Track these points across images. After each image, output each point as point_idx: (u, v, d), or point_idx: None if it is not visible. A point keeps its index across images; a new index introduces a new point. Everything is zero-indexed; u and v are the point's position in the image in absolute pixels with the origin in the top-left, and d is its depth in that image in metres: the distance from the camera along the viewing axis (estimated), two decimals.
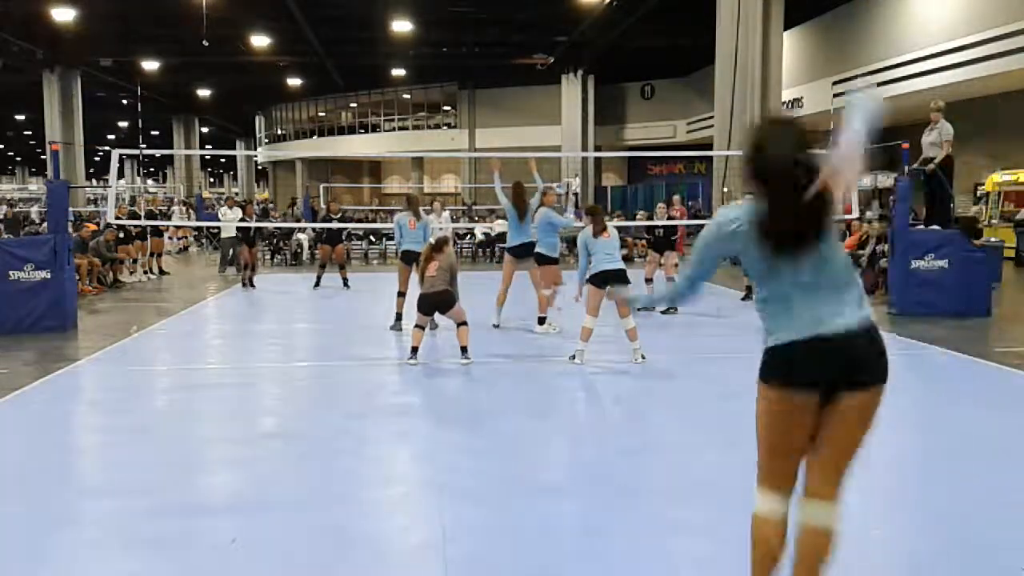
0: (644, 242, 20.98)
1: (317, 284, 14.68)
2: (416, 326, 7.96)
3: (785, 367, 2.69)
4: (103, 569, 3.73)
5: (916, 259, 10.58)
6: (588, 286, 7.66)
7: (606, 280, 7.22)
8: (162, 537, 3.97)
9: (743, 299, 11.87)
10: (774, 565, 2.88)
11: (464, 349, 7.89)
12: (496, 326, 9.85)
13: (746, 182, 2.79)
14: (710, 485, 4.64)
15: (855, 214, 13.54)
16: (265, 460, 5.20)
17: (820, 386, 2.67)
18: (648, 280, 11.76)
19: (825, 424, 2.73)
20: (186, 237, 25.24)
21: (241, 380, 7.61)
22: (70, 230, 11.19)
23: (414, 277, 10.10)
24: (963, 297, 10.44)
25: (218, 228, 19.05)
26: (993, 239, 16.09)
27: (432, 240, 8.45)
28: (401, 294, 9.90)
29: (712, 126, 22.12)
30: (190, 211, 28.75)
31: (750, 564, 2.90)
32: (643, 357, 7.76)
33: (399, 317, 9.78)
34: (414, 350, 7.87)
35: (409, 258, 9.86)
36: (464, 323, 7.98)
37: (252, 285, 14.99)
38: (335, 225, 15.66)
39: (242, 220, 16.34)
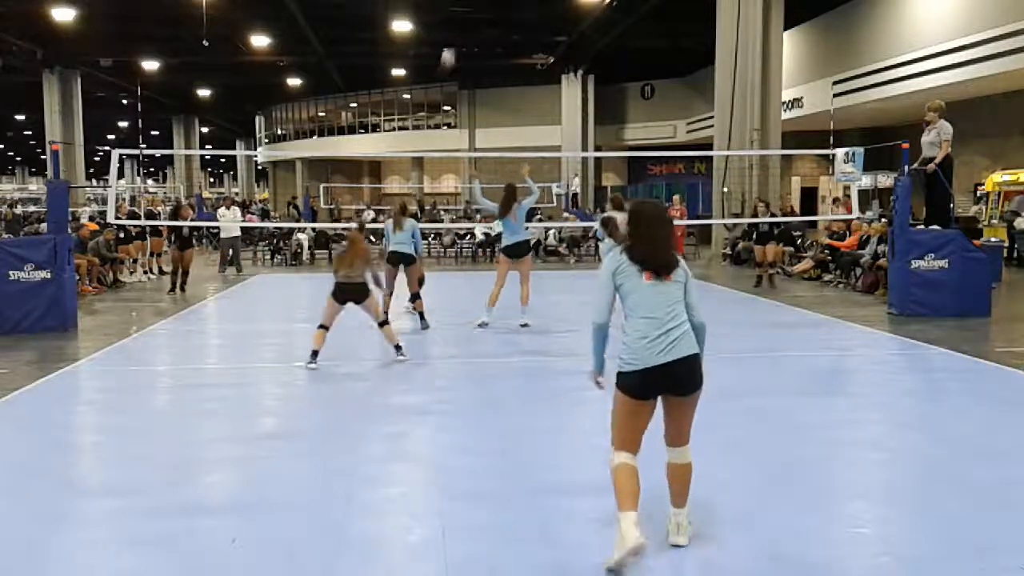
0: None
1: (172, 290, 14.01)
2: (321, 326, 7.75)
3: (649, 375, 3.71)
4: (103, 569, 3.73)
5: (916, 259, 10.57)
6: None
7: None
8: (162, 537, 3.97)
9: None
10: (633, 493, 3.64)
11: (398, 347, 7.91)
12: (484, 325, 9.82)
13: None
14: (709, 485, 4.63)
15: (855, 214, 13.54)
16: (265, 460, 5.20)
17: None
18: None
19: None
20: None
21: (241, 380, 7.61)
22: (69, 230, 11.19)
23: (401, 277, 10.22)
24: (963, 297, 10.42)
25: (218, 228, 19.05)
26: (993, 239, 16.10)
27: (353, 230, 8.30)
28: (388, 294, 9.98)
29: (712, 126, 22.11)
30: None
31: (616, 495, 3.63)
32: None
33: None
34: (314, 353, 7.67)
35: (394, 259, 10.13)
36: (384, 323, 7.96)
37: (182, 290, 13.96)
38: (337, 225, 15.64)
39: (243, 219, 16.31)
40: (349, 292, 7.78)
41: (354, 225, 8.47)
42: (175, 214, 15.82)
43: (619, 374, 3.72)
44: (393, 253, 10.13)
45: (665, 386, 3.67)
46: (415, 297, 10.28)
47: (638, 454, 3.73)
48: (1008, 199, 18.35)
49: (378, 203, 36.32)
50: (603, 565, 3.51)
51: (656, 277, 3.66)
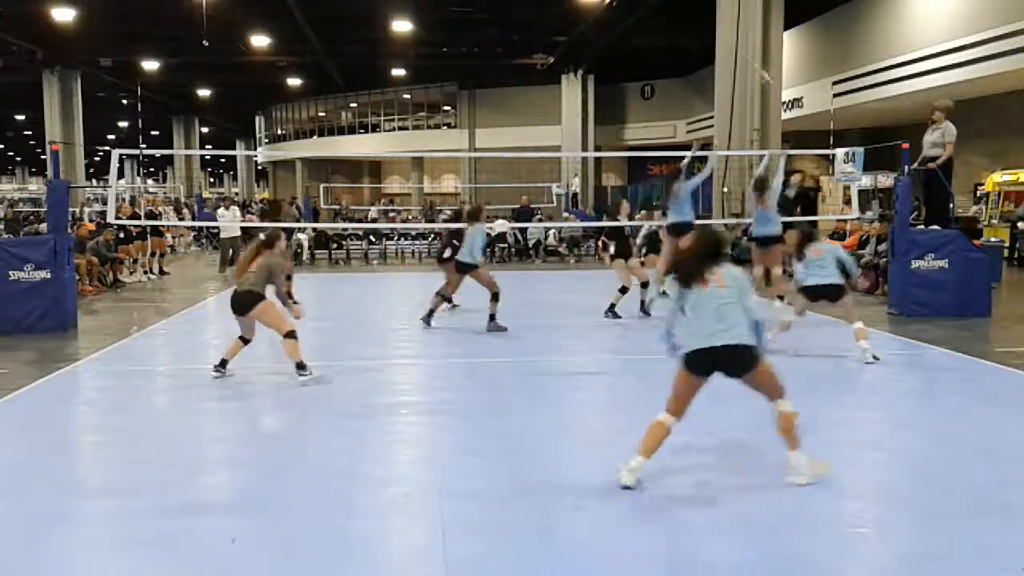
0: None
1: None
2: (240, 337, 7.38)
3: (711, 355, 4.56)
4: (102, 569, 3.74)
5: (916, 259, 10.57)
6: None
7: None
8: (162, 537, 3.97)
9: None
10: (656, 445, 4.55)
11: (299, 365, 7.09)
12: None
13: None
14: (709, 485, 4.64)
15: (855, 214, 13.53)
16: (265, 460, 5.20)
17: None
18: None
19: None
20: (176, 237, 25.02)
21: (241, 380, 7.60)
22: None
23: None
24: (963, 297, 10.42)
25: (218, 228, 19.04)
26: (993, 239, 16.10)
27: (263, 236, 7.58)
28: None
29: (712, 126, 22.11)
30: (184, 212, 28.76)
31: (648, 441, 4.55)
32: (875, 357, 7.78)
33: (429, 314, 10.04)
34: (223, 363, 7.34)
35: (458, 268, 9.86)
36: (290, 334, 7.08)
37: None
38: (337, 226, 15.64)
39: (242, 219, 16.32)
40: (233, 301, 7.27)
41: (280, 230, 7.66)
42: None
43: None
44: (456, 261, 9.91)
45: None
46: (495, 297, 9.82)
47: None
48: (1008, 199, 18.34)
49: (384, 202, 36.40)
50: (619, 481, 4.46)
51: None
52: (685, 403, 4.57)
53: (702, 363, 4.48)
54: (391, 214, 31.19)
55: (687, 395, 4.56)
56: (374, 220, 29.18)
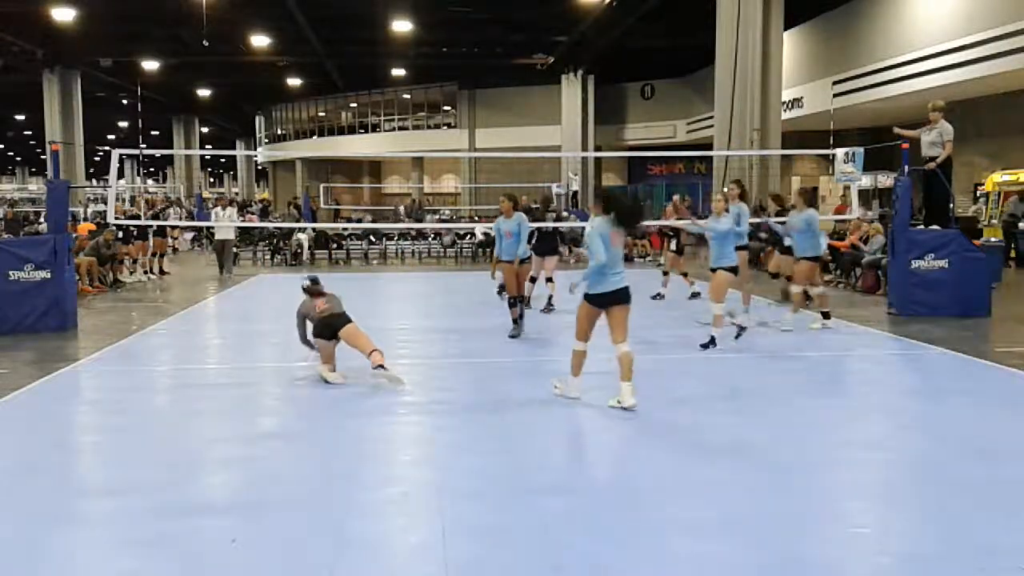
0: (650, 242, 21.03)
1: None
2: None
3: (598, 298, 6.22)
4: (103, 569, 3.73)
5: (916, 259, 10.57)
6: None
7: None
8: (162, 537, 3.97)
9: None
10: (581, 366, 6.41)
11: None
12: None
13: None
14: (709, 485, 4.64)
15: (854, 214, 13.53)
16: (265, 460, 5.20)
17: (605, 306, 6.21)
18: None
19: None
20: (176, 237, 25.03)
21: (241, 380, 7.61)
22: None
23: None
24: (963, 297, 10.42)
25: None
26: (993, 239, 16.10)
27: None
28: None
29: (712, 126, 22.12)
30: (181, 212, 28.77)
31: (572, 367, 6.45)
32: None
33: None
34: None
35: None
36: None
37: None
38: (337, 226, 15.58)
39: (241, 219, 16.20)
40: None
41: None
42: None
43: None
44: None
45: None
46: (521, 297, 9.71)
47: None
48: (1008, 199, 18.34)
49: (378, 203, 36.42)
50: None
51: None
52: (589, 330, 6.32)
53: (604, 300, 6.19)
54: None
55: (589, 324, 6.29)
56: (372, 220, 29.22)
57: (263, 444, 5.55)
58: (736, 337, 8.75)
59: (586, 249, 6.37)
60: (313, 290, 7.53)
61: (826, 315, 9.83)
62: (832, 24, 23.47)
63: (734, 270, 8.77)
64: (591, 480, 4.77)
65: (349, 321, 7.26)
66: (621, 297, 6.19)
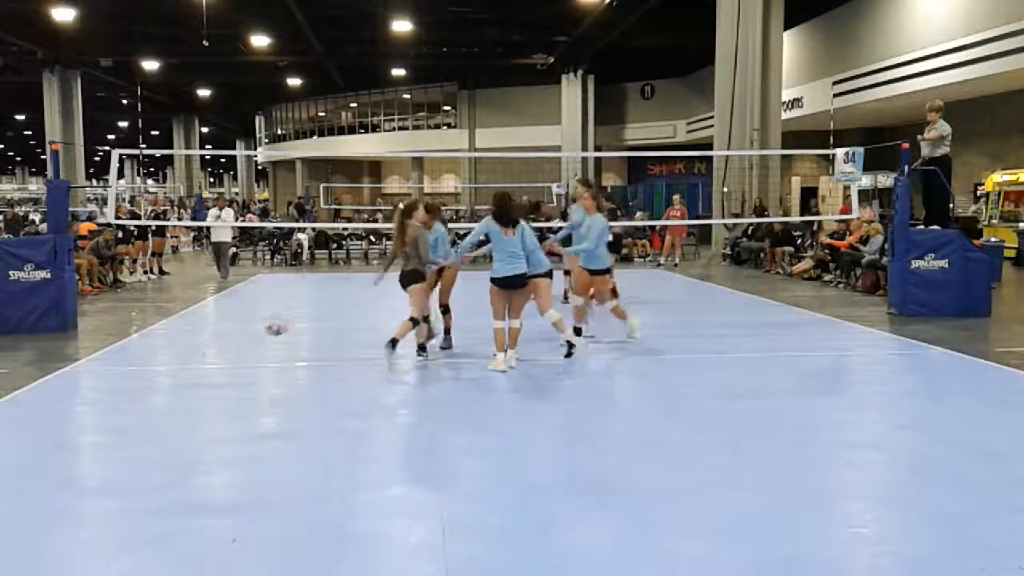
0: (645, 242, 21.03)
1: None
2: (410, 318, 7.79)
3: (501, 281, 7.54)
4: (103, 569, 3.73)
5: (916, 259, 10.57)
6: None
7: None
8: (162, 537, 3.97)
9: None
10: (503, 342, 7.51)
11: (420, 347, 8.09)
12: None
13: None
14: (709, 485, 4.64)
15: (854, 214, 13.53)
16: (265, 460, 5.20)
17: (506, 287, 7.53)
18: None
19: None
20: (177, 237, 24.97)
21: (241, 380, 7.61)
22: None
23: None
24: (963, 297, 10.42)
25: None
26: (993, 239, 16.09)
27: (403, 205, 8.33)
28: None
29: (712, 126, 22.11)
30: (181, 212, 28.72)
31: (495, 343, 7.57)
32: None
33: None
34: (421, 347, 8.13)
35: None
36: (412, 319, 7.77)
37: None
38: (337, 226, 15.55)
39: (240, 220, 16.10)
40: (401, 278, 8.06)
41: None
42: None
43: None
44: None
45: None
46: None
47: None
48: (1008, 199, 18.34)
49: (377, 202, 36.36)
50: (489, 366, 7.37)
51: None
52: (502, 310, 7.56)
53: (504, 283, 7.48)
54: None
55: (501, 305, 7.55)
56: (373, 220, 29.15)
57: (263, 444, 5.55)
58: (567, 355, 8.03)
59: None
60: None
61: (577, 331, 8.63)
62: (832, 24, 23.46)
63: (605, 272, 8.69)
64: (591, 480, 4.77)
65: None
66: (516, 282, 7.51)
